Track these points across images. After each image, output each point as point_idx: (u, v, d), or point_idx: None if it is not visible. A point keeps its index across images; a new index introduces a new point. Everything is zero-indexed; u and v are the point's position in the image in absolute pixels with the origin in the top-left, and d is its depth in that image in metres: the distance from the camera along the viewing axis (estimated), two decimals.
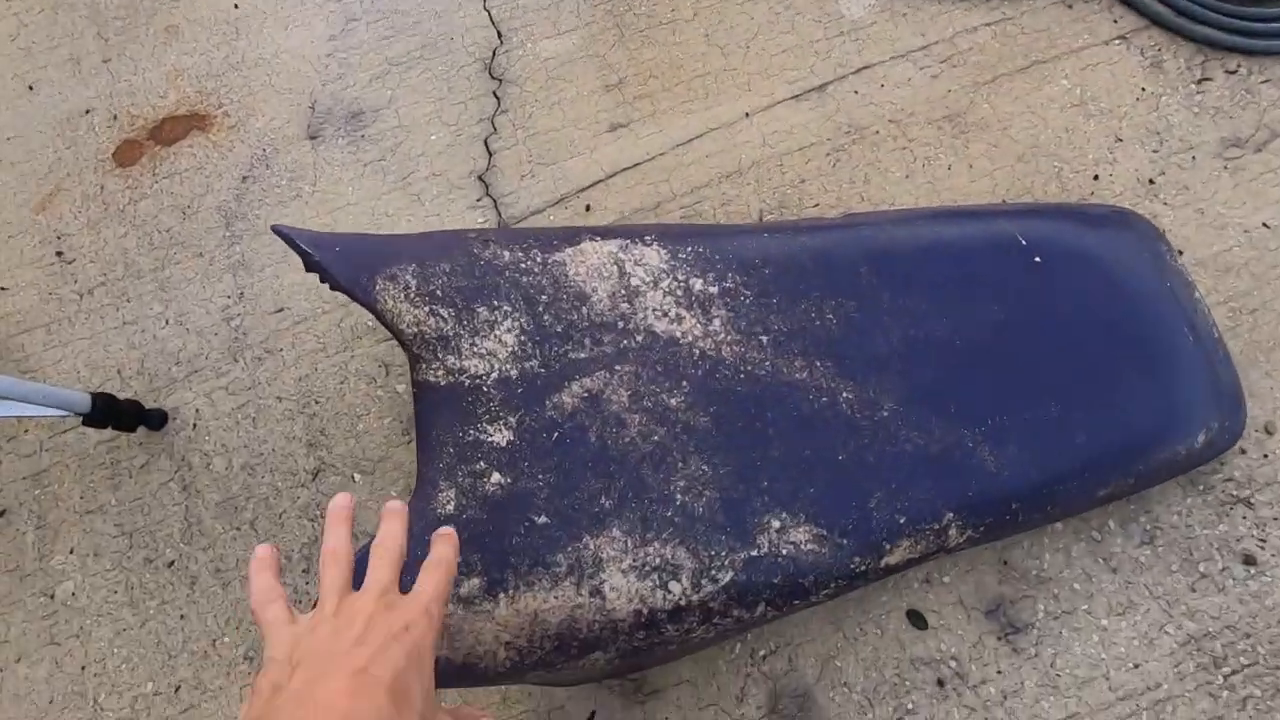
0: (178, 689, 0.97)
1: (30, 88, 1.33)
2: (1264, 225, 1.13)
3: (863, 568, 0.84)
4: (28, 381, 0.95)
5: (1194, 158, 1.17)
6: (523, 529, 0.74)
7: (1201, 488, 1.00)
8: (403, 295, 0.79)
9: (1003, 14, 1.29)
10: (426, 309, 0.79)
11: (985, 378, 0.91)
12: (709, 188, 1.19)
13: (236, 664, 0.97)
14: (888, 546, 0.84)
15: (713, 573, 0.79)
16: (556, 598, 0.74)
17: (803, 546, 0.82)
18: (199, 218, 1.21)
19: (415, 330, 0.78)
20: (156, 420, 1.09)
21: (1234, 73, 1.23)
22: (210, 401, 1.10)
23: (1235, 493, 0.99)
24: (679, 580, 0.78)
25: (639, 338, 0.86)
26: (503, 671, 0.76)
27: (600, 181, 1.20)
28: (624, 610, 0.77)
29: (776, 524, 0.82)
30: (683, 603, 0.78)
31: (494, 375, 0.79)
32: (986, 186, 1.17)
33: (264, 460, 1.07)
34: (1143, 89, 1.22)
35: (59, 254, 1.21)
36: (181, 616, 1.00)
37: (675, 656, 0.95)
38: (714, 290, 0.91)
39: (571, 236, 0.92)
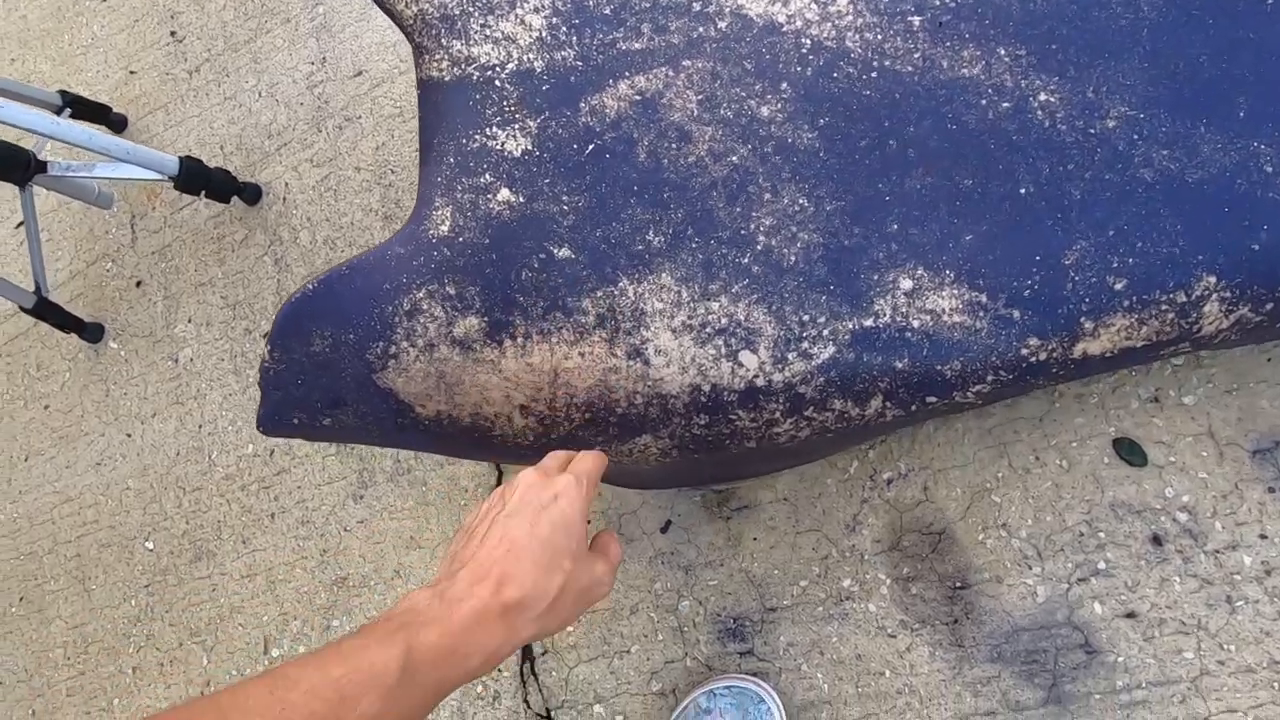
0: (272, 452, 0.98)
1: None
2: None
3: (1042, 355, 0.56)
4: (124, 141, 0.94)
5: None
6: (536, 262, 0.56)
7: None
8: None
9: None
10: None
11: None
12: None
13: None
14: (1089, 325, 0.55)
15: (804, 345, 0.57)
16: (582, 355, 0.57)
17: (946, 318, 0.56)
18: None
19: (415, 10, 0.60)
20: (251, 194, 1.06)
21: None
22: (297, 174, 1.05)
23: None
24: (754, 350, 0.57)
25: (721, 24, 0.61)
26: (526, 444, 0.61)
27: None
28: (676, 382, 0.58)
29: (908, 283, 0.56)
30: (760, 381, 0.57)
31: (510, 66, 0.59)
32: None
33: (343, 233, 1.00)
34: None
35: (172, 33, 1.19)
36: None
37: (766, 467, 0.76)
38: None
39: None
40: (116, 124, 1.18)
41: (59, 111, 1.09)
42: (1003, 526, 0.68)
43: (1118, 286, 0.54)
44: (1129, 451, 0.66)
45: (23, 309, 1.04)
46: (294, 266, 1.02)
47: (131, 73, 1.21)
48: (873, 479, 0.73)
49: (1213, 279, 0.53)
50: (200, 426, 1.03)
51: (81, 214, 1.18)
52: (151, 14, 1.22)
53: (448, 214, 0.57)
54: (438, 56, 0.60)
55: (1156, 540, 0.64)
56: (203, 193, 1.00)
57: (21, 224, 1.24)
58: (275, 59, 1.10)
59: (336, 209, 1.01)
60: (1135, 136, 0.55)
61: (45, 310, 1.05)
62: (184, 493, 1.02)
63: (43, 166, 0.95)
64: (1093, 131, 0.56)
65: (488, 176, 0.57)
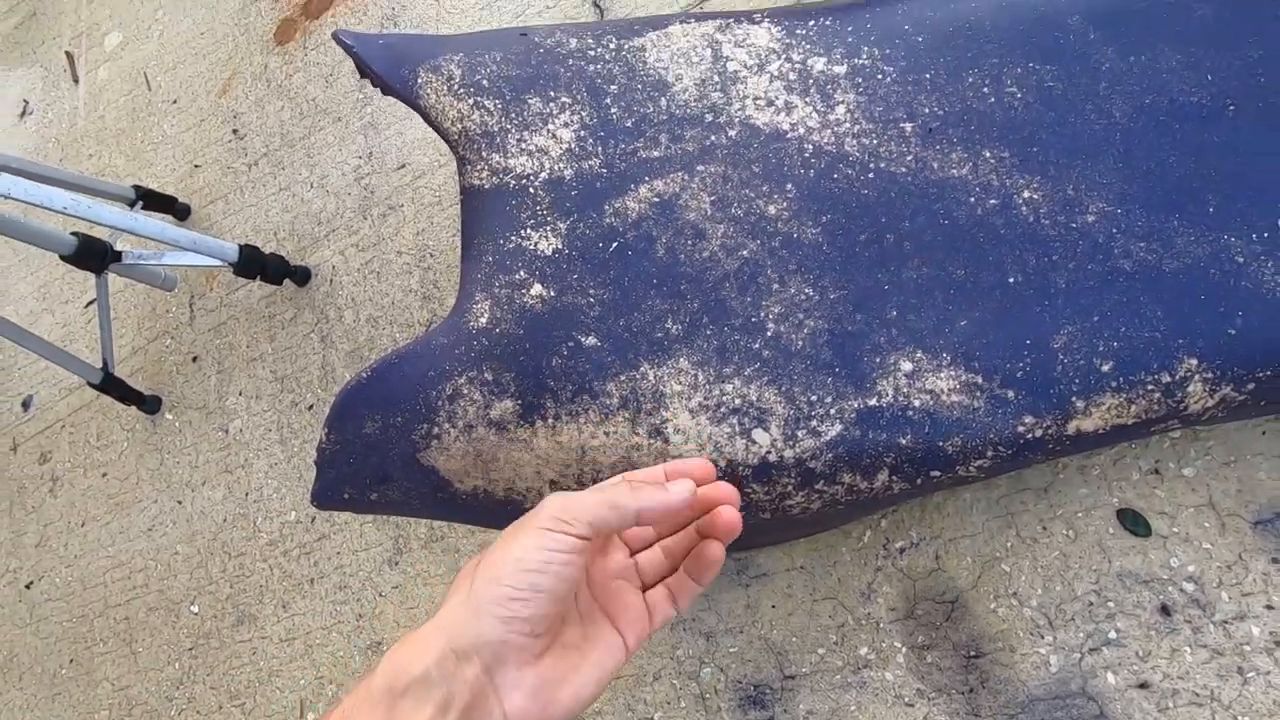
0: (314, 519, 1.03)
1: None
2: None
3: (1038, 432, 0.60)
4: (191, 232, 1.04)
5: None
6: (565, 350, 0.62)
7: None
8: (446, 88, 0.69)
9: None
10: (471, 101, 0.68)
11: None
12: None
13: None
14: (1080, 404, 0.59)
15: (813, 423, 0.61)
16: (607, 434, 0.62)
17: (945, 397, 0.60)
18: (338, 84, 1.23)
19: (459, 127, 0.68)
20: (302, 276, 1.14)
21: None
22: (344, 258, 1.13)
23: None
24: (766, 428, 0.61)
25: (731, 133, 0.68)
26: None
27: None
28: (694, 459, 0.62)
29: (908, 365, 0.61)
30: (772, 457, 0.62)
31: (543, 175, 0.66)
32: None
33: (385, 312, 1.07)
34: None
35: (234, 131, 1.31)
36: None
37: (782, 536, 0.79)
38: (840, 70, 0.69)
39: (659, 22, 0.75)
40: (181, 212, 1.29)
41: (132, 204, 1.20)
42: (1014, 595, 0.70)
43: (1105, 368, 0.58)
44: (1133, 522, 0.68)
45: (90, 384, 1.12)
46: (339, 343, 1.09)
47: (196, 166, 1.32)
48: (886, 548, 0.75)
49: (1194, 361, 0.57)
50: (247, 494, 1.09)
51: (145, 294, 1.28)
52: (216, 114, 1.34)
53: (486, 307, 0.63)
54: (479, 167, 0.67)
55: (1165, 610, 0.66)
56: (258, 276, 1.09)
57: (91, 303, 1.34)
58: (326, 154, 1.20)
59: (379, 290, 1.09)
60: (1114, 230, 0.60)
61: (111, 385, 1.13)
62: (229, 558, 1.07)
63: (118, 256, 1.05)
64: (1074, 225, 0.61)
65: (522, 273, 0.64)
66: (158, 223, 1.02)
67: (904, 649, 0.73)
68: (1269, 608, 0.63)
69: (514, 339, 0.62)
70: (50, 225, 1.00)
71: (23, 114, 1.60)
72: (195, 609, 1.07)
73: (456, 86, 0.68)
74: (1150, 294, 0.58)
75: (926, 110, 0.66)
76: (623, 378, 0.62)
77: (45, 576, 1.21)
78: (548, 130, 0.67)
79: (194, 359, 1.20)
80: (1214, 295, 0.57)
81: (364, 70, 0.72)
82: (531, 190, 0.66)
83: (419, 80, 0.69)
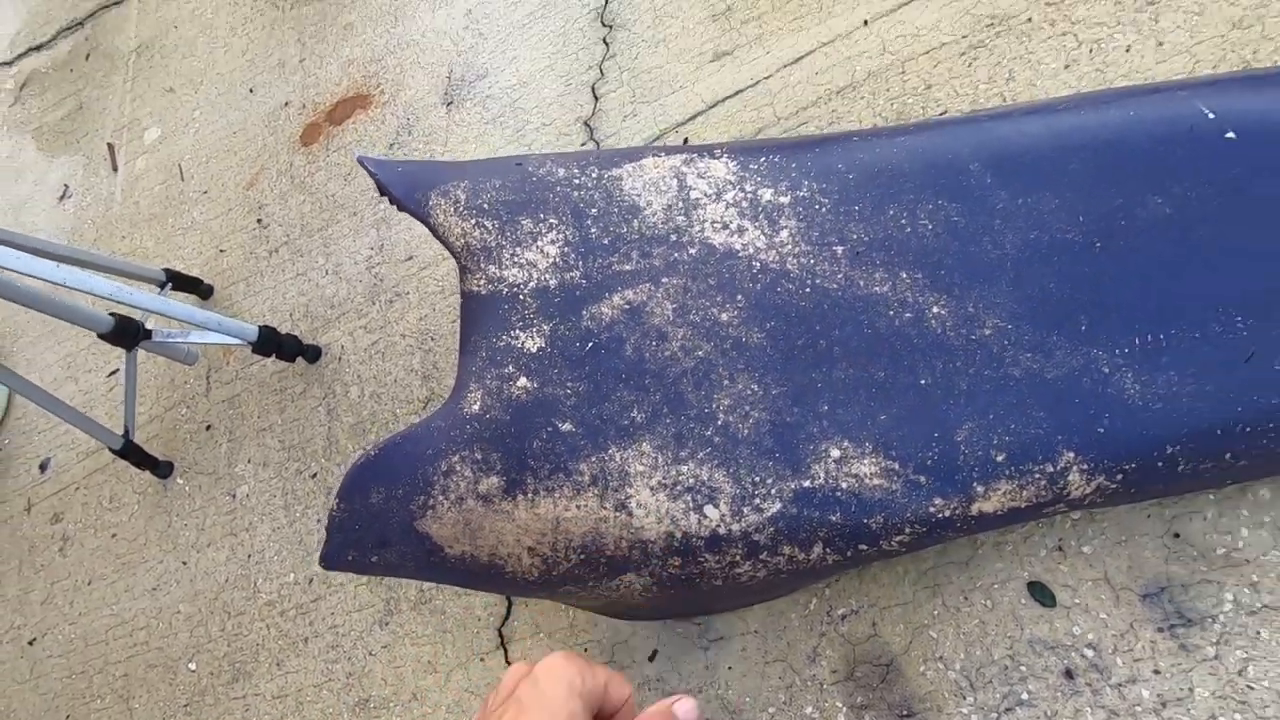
0: (311, 581, 1.11)
1: (251, 90, 1.61)
2: None
3: (946, 513, 0.70)
4: (215, 314, 1.16)
5: None
6: (545, 434, 0.73)
7: None
8: (453, 209, 0.82)
9: None
10: (473, 221, 0.81)
11: (1136, 286, 0.71)
12: (816, 106, 1.08)
13: None
14: (980, 489, 0.69)
15: (756, 501, 0.71)
16: (579, 507, 0.72)
17: (868, 481, 0.71)
18: (355, 183, 1.38)
19: (462, 242, 0.81)
20: (313, 354, 1.26)
21: None
22: (352, 339, 1.25)
23: None
24: (716, 505, 0.72)
25: (692, 250, 0.80)
26: (532, 580, 0.75)
27: (700, 114, 1.15)
28: (653, 530, 0.72)
29: (836, 453, 0.71)
30: (721, 530, 0.71)
31: (531, 284, 0.78)
32: (1181, 65, 0.92)
33: (388, 389, 1.18)
34: None
35: (259, 220, 1.45)
36: (318, 520, 1.14)
37: (736, 601, 0.88)
38: (785, 200, 0.82)
39: (635, 154, 0.89)
40: (205, 292, 1.41)
41: (162, 285, 1.32)
42: (940, 659, 0.79)
43: (999, 459, 0.69)
44: (1041, 594, 0.78)
45: (111, 449, 1.22)
46: (344, 416, 1.20)
47: (221, 251, 1.46)
48: (829, 615, 0.84)
49: (1072, 454, 0.68)
50: (249, 556, 1.17)
51: (165, 366, 1.38)
52: (243, 205, 1.48)
53: (479, 396, 0.74)
54: (478, 276, 0.79)
55: (1069, 674, 0.74)
56: (274, 354, 1.20)
57: (113, 373, 1.45)
58: (342, 244, 1.34)
59: (383, 368, 1.20)
60: (1006, 342, 0.72)
61: (129, 450, 1.22)
62: (228, 617, 1.14)
63: (148, 334, 1.16)
64: (974, 337, 0.73)
65: (511, 368, 0.75)
66: (188, 307, 1.13)
67: (844, 709, 0.80)
68: (1156, 672, 0.72)
69: (501, 424, 0.73)
70: (89, 305, 1.12)
71: (62, 197, 1.75)
72: (193, 666, 1.13)
73: (461, 208, 0.81)
74: (1035, 397, 0.70)
75: (855, 236, 0.79)
76: (593, 459, 0.72)
77: (49, 633, 1.27)
78: (537, 246, 0.80)
79: (207, 427, 1.30)
80: (1086, 399, 0.69)
81: (383, 190, 0.85)
82: (521, 297, 0.78)
83: (430, 203, 0.82)
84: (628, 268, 0.80)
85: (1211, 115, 0.75)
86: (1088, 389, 0.69)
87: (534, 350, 0.76)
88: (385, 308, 1.24)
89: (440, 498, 0.72)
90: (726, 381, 0.75)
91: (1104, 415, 0.68)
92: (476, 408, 0.74)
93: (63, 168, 1.79)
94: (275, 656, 1.09)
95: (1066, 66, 0.97)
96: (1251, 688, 0.69)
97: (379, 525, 0.72)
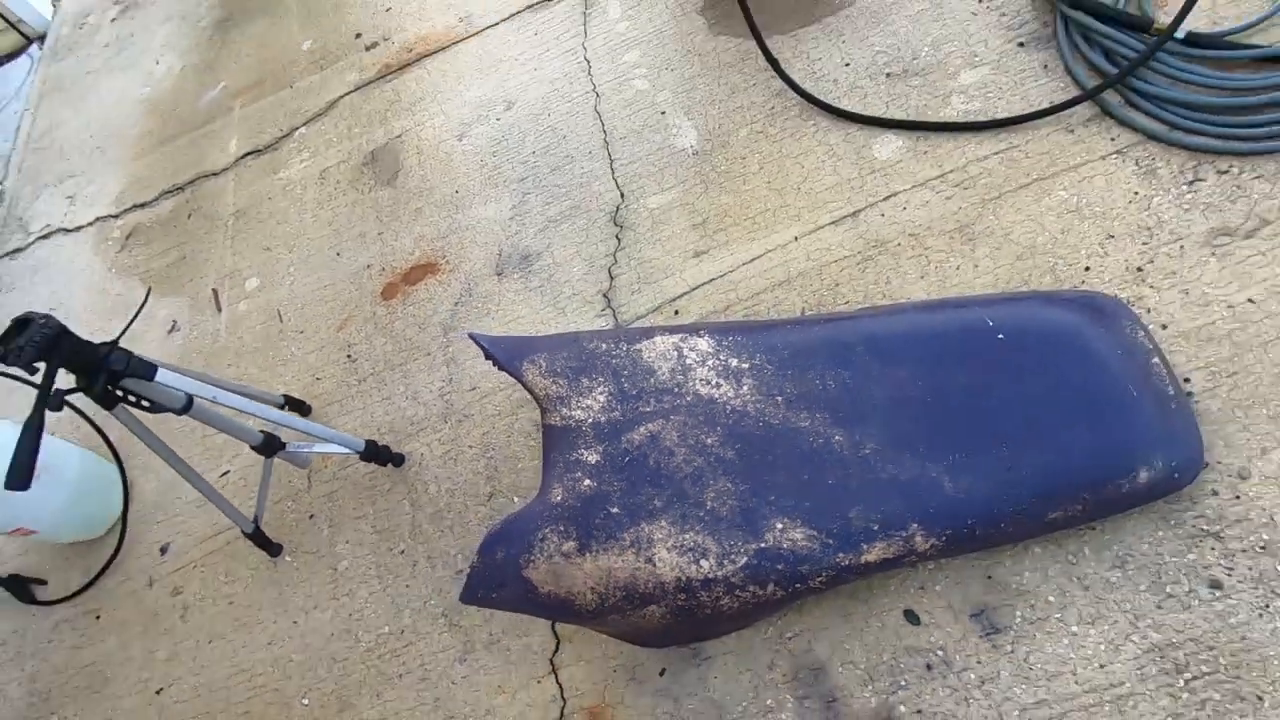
0: (402, 631, 1.49)
1: (338, 254, 2.10)
2: (1249, 301, 1.31)
3: (846, 562, 1.16)
4: (334, 430, 1.59)
5: (1182, 247, 1.39)
6: (601, 514, 1.17)
7: (1173, 522, 1.18)
8: (537, 371, 1.29)
9: (1009, 143, 1.60)
10: (550, 380, 1.29)
11: (949, 427, 1.21)
12: (766, 293, 1.61)
13: (436, 618, 1.48)
14: (865, 546, 1.16)
15: (732, 556, 1.16)
16: (623, 561, 1.16)
17: (799, 543, 1.16)
18: (428, 330, 1.86)
19: (544, 393, 1.28)
20: (399, 460, 1.68)
21: (1225, 172, 1.43)
22: (429, 448, 1.68)
23: (1205, 527, 1.16)
24: (707, 559, 1.16)
25: (688, 399, 1.29)
26: (591, 610, 1.17)
27: (686, 293, 1.67)
28: (669, 575, 1.16)
29: (780, 525, 1.18)
30: (711, 575, 1.16)
31: (589, 420, 1.25)
32: (989, 281, 1.47)
33: (459, 487, 1.61)
34: (1135, 193, 1.47)
35: (349, 356, 1.90)
36: (406, 585, 1.54)
37: (719, 630, 1.30)
38: (745, 366, 1.32)
39: (648, 333, 1.38)
40: (305, 410, 1.84)
41: (281, 406, 1.75)
42: (851, 662, 1.22)
43: (874, 528, 1.16)
44: (911, 617, 1.23)
45: (243, 532, 1.60)
46: (425, 507, 1.61)
47: (317, 379, 1.90)
48: (780, 637, 1.27)
49: (915, 525, 1.15)
50: (350, 615, 1.55)
51: (276, 469, 1.79)
52: (334, 343, 1.94)
53: (559, 491, 1.19)
54: (554, 415, 1.26)
55: (928, 667, 1.18)
56: (373, 460, 1.63)
57: (225, 474, 1.84)
58: (419, 377, 1.79)
59: (455, 471, 1.63)
60: (877, 459, 1.20)
61: (256, 533, 1.61)
62: (334, 662, 1.51)
63: (283, 445, 1.58)
64: (860, 455, 1.21)
65: (579, 473, 1.20)
66: (313, 424, 1.56)
67: (791, 699, 1.22)
68: (979, 663, 1.16)
69: (574, 509, 1.17)
70: (248, 423, 1.54)
71: (170, 330, 2.18)
72: (306, 701, 1.48)
73: (543, 371, 1.29)
74: (894, 491, 1.17)
75: (788, 390, 1.29)
76: (631, 530, 1.17)
77: (174, 684, 1.60)
78: (592, 396, 1.28)
79: (310, 516, 1.70)
80: (922, 492, 1.16)
81: (488, 356, 1.33)
82: (583, 429, 1.25)
83: (523, 366, 1.29)
84: (648, 409, 1.28)
85: (990, 323, 1.28)
86: (924, 486, 1.17)
87: (593, 462, 1.22)
88: (455, 426, 1.69)
89: (538, 555, 1.15)
90: (711, 482, 1.21)
91: (932, 501, 1.16)
92: (558, 498, 1.18)
93: (170, 306, 2.23)
94: (375, 689, 1.45)
95: (922, 276, 1.52)
96: (1032, 669, 1.14)
97: (499, 573, 1.14)
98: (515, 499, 1.55)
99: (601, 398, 1.28)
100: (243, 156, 2.48)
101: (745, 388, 1.29)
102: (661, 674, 1.31)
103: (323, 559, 1.64)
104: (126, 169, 2.69)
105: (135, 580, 1.77)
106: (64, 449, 1.79)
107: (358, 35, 2.60)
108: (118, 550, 1.81)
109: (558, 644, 1.39)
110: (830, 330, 1.35)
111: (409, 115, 2.28)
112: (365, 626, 1.53)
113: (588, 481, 1.20)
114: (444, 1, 2.51)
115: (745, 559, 1.16)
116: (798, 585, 1.16)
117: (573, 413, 1.26)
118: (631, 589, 1.16)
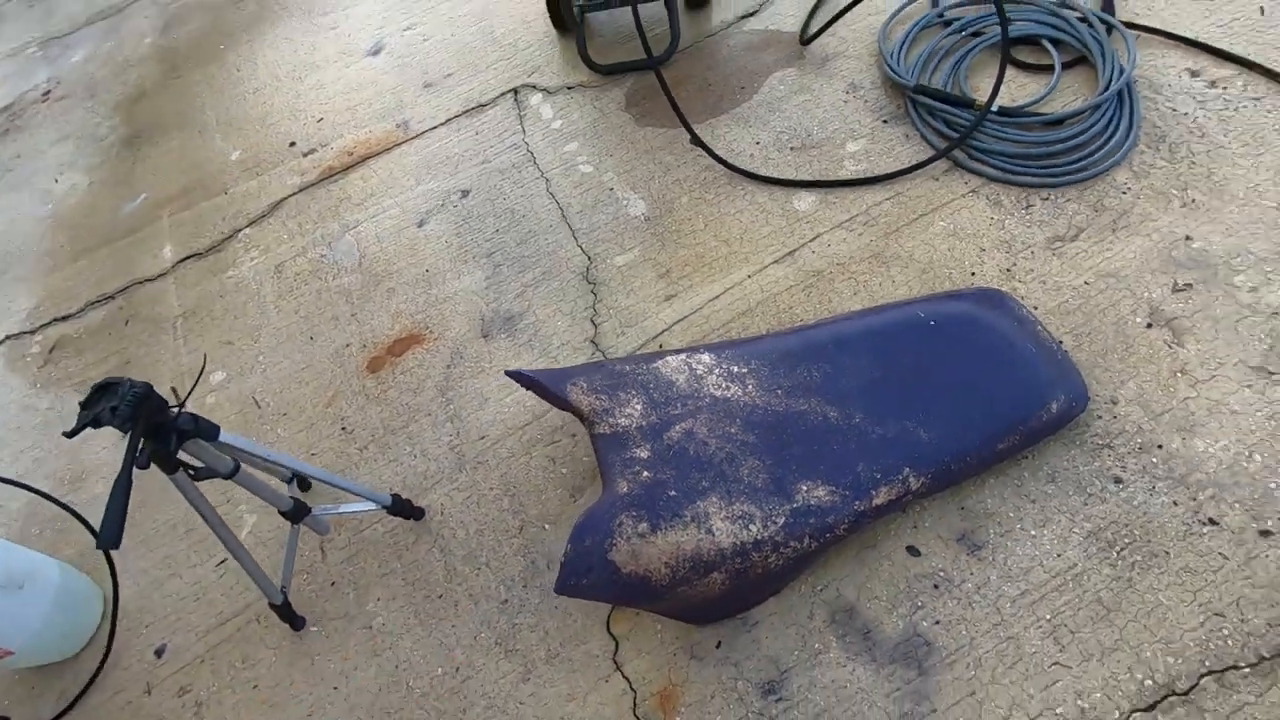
0: (457, 669, 1.54)
1: (311, 338, 2.17)
2: (1085, 283, 1.79)
3: (861, 508, 1.42)
4: (364, 487, 1.65)
5: (1033, 252, 1.87)
6: (664, 498, 1.36)
7: (1079, 443, 1.57)
8: (580, 391, 1.49)
9: (895, 190, 2.07)
10: (594, 396, 1.48)
11: (912, 393, 1.54)
12: (734, 321, 1.91)
13: (490, 649, 1.54)
14: (873, 493, 1.43)
15: (774, 518, 1.39)
16: (688, 534, 1.35)
17: (823, 498, 1.42)
18: (424, 394, 1.97)
19: (590, 408, 1.47)
20: (419, 514, 1.75)
21: (1047, 199, 1.96)
22: (449, 497, 1.78)
23: (1100, 441, 1.56)
24: (754, 523, 1.38)
25: (706, 400, 1.53)
26: (664, 584, 1.34)
27: (667, 329, 1.94)
28: (726, 542, 1.36)
29: (805, 486, 1.43)
30: (759, 536, 1.38)
31: (634, 425, 1.46)
32: (905, 291, 1.88)
33: (488, 525, 1.71)
34: (991, 218, 1.96)
35: (343, 429, 1.96)
36: (451, 626, 1.59)
37: (765, 593, 1.50)
38: (745, 371, 1.60)
39: (659, 355, 1.63)
40: (305, 487, 1.86)
41: (289, 481, 1.77)
42: (875, 598, 1.46)
43: (878, 476, 1.44)
44: (913, 551, 1.50)
45: (271, 605, 1.58)
46: (456, 550, 1.69)
47: (313, 454, 1.93)
48: (814, 590, 1.50)
49: (908, 468, 1.44)
50: (396, 666, 1.57)
51: (279, 550, 1.77)
52: (325, 419, 1.99)
53: (624, 484, 1.37)
54: (601, 425, 1.45)
55: (936, 587, 1.45)
56: (400, 514, 1.69)
57: (221, 562, 1.80)
58: (424, 435, 1.89)
59: (480, 513, 1.73)
60: (867, 424, 1.50)
61: (284, 605, 1.60)
62: (388, 715, 1.51)
63: (309, 510, 1.62)
64: (851, 424, 1.51)
65: (637, 468, 1.39)
66: (347, 480, 1.62)
67: (834, 639, 1.44)
68: (971, 574, 1.45)
69: (640, 496, 1.35)
70: (277, 489, 1.57)
71: None
72: None
73: (584, 390, 1.49)
74: (884, 446, 1.47)
75: (784, 384, 1.57)
76: (689, 508, 1.37)
77: None
78: (630, 406, 1.48)
79: (332, 584, 1.70)
80: (907, 444, 1.47)
81: (530, 386, 1.50)
82: (630, 432, 1.45)
83: (568, 390, 1.48)
84: (677, 412, 1.51)
85: (922, 314, 1.66)
86: (907, 439, 1.48)
87: (645, 457, 1.41)
88: (471, 472, 1.80)
89: (619, 538, 1.31)
90: (743, 461, 1.45)
91: (916, 449, 1.47)
92: (624, 490, 1.36)
93: None
94: None
95: (854, 294, 1.90)
96: (1010, 569, 1.44)
97: (589, 558, 1.29)
98: (546, 526, 1.68)
99: (639, 406, 1.49)
100: (181, 261, 2.49)
101: (750, 386, 1.56)
102: (718, 646, 1.47)
103: (354, 621, 1.64)
104: (40, 284, 2.58)
105: (129, 690, 1.65)
106: (42, 559, 1.67)
107: (292, 144, 2.75)
108: (102, 663, 1.69)
109: (616, 644, 1.51)
110: (805, 337, 1.67)
111: (362, 209, 2.44)
112: (415, 673, 1.55)
113: (646, 473, 1.39)
114: (378, 110, 2.74)
115: (784, 518, 1.39)
116: (826, 535, 1.41)
117: (618, 421, 1.46)
118: (697, 559, 1.34)
